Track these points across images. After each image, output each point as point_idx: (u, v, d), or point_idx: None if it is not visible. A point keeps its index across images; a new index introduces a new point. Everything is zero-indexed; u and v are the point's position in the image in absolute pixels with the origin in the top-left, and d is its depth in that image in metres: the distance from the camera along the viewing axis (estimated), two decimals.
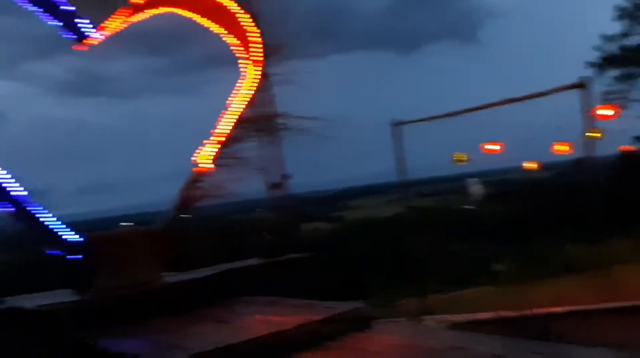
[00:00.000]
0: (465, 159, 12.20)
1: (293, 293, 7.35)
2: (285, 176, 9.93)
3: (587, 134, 8.76)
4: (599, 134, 10.36)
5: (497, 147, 10.97)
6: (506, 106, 10.11)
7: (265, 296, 7.41)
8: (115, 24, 8.19)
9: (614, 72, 26.92)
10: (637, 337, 7.03)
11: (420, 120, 11.62)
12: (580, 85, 8.68)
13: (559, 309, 8.57)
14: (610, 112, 9.11)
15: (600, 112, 9.26)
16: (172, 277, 7.90)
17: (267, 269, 8.90)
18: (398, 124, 11.72)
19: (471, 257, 19.43)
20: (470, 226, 29.66)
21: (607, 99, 26.84)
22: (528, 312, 8.69)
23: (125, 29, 8.49)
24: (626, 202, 18.85)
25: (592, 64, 26.74)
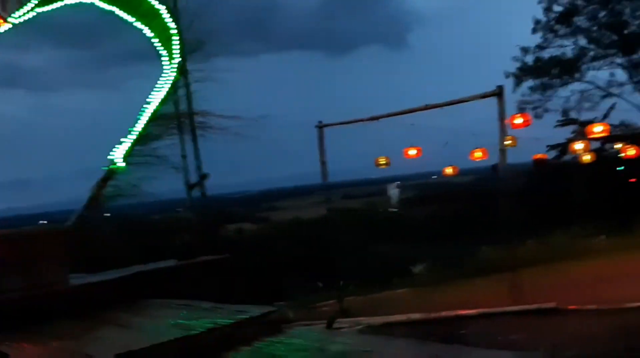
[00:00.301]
0: (386, 162, 12.37)
1: (207, 296, 7.18)
2: (204, 176, 9.71)
3: (502, 141, 9.03)
4: (512, 142, 10.76)
5: (415, 152, 11.16)
6: (428, 111, 10.32)
7: (178, 300, 7.19)
8: (24, 12, 7.77)
9: (530, 83, 28.22)
10: (542, 338, 7.30)
11: (342, 123, 11.68)
12: (496, 93, 8.94)
13: (468, 311, 8.78)
14: (521, 120, 9.43)
15: (515, 121, 9.57)
16: (79, 279, 7.54)
17: (181, 271, 8.67)
18: (322, 126, 11.74)
19: (392, 259, 19.75)
20: (393, 229, 30.16)
21: (522, 109, 28.09)
22: (439, 315, 8.88)
23: (44, 20, 8.10)
24: (538, 207, 19.79)
25: (510, 74, 27.90)
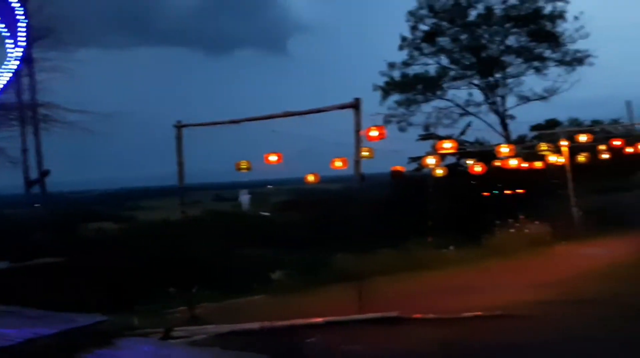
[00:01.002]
0: (247, 167, 12.21)
1: (39, 303, 6.60)
2: (45, 173, 9.00)
3: (358, 152, 9.17)
4: (369, 154, 11.00)
5: (276, 158, 11.10)
6: (294, 118, 10.28)
7: (2, 305, 6.54)
8: None
9: (396, 97, 29.49)
10: (380, 347, 7.47)
11: (203, 124, 11.35)
12: (353, 105, 9.07)
13: (316, 320, 8.80)
14: (376, 133, 9.67)
15: (370, 133, 9.77)
16: None
17: (14, 274, 7.94)
18: (180, 126, 11.32)
19: (255, 264, 19.51)
20: (261, 233, 29.81)
21: (388, 121, 29.22)
22: (287, 323, 8.83)
23: None
24: (395, 217, 20.58)
25: (378, 87, 29.00)
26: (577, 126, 39.04)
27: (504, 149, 15.08)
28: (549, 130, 33.74)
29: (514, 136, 30.49)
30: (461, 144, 26.88)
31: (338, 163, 12.47)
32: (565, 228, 19.11)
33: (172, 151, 11.46)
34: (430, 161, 14.30)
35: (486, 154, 16.73)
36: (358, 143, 9.10)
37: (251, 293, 14.43)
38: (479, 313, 8.34)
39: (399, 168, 16.02)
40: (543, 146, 16.80)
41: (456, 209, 21.22)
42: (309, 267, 15.33)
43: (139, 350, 5.25)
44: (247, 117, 10.50)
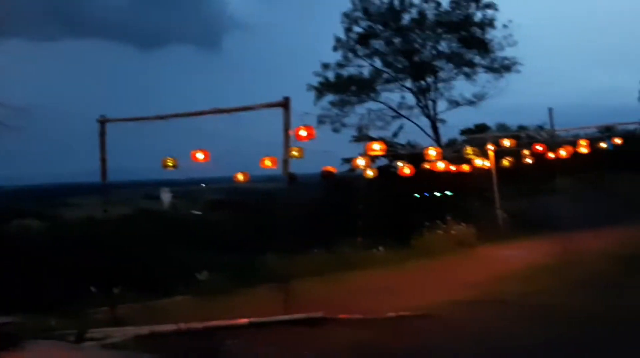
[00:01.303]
0: (173, 164, 11.89)
1: None
2: None
3: (286, 152, 9.08)
4: (299, 154, 10.93)
5: (202, 156, 10.86)
6: (223, 115, 10.07)
7: None
8: None
9: (331, 97, 29.60)
10: (304, 348, 7.42)
11: (128, 119, 10.98)
12: (282, 104, 8.98)
13: (239, 321, 8.66)
14: (305, 133, 9.60)
15: (299, 132, 9.69)
16: None
17: None
18: (104, 121, 10.91)
19: (182, 264, 19.09)
20: (191, 233, 29.26)
21: (322, 121, 29.29)
22: (209, 324, 8.65)
23: None
24: (327, 218, 20.63)
25: (312, 87, 29.01)
26: (504, 131, 40.42)
27: (432, 152, 15.35)
28: (479, 134, 34.78)
29: (445, 139, 31.21)
30: (393, 146, 27.30)
31: (268, 162, 12.35)
32: (490, 230, 19.67)
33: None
34: (360, 162, 14.39)
35: (416, 157, 16.99)
36: (287, 142, 9.02)
37: (177, 294, 14.13)
38: (402, 313, 8.42)
39: (330, 168, 16.04)
40: (469, 150, 17.23)
41: (387, 210, 21.49)
42: (237, 267, 15.11)
43: (46, 352, 4.98)
44: (174, 113, 10.23)
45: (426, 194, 26.89)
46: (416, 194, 26.91)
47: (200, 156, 10.95)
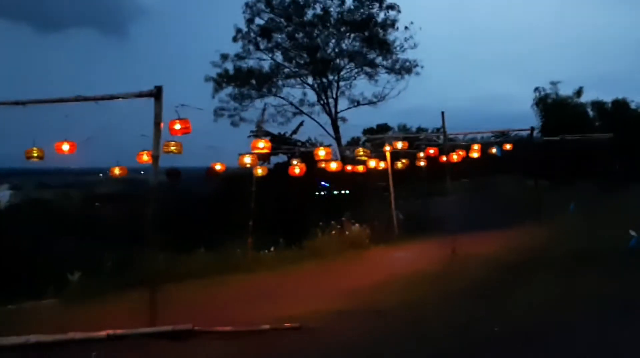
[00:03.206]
0: (38, 155, 10.75)
1: None
2: None
3: (156, 147, 8.25)
4: (176, 148, 10.12)
5: (68, 147, 9.82)
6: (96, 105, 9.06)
7: None
8: None
9: (229, 90, 28.67)
10: None
11: None
12: (153, 94, 8.15)
13: (96, 333, 7.77)
14: (179, 126, 8.81)
15: (174, 126, 8.89)
16: None
17: None
18: None
19: (56, 262, 17.58)
20: (83, 226, 27.12)
21: (220, 115, 28.33)
22: (63, 337, 7.71)
23: None
24: (216, 216, 19.80)
25: (210, 79, 27.96)
26: (405, 131, 41.05)
27: (321, 152, 14.90)
28: (378, 135, 35.01)
29: (348, 138, 31.17)
30: (292, 143, 26.81)
31: (145, 157, 11.49)
32: (384, 231, 19.61)
33: None
34: (247, 159, 13.69)
35: (312, 156, 16.51)
36: (157, 136, 8.18)
37: (46, 297, 12.90)
38: (275, 326, 7.84)
39: (219, 165, 15.20)
40: (360, 151, 16.98)
41: (280, 210, 20.95)
42: (114, 267, 13.99)
43: None
44: (35, 99, 9.10)
45: (323, 194, 26.67)
46: (313, 194, 26.63)
47: (65, 147, 9.89)
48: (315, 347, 7.03)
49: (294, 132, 28.95)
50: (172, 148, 9.86)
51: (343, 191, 27.11)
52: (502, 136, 39.08)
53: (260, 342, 7.47)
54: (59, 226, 23.88)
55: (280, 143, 23.50)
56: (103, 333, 7.81)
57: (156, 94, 8.13)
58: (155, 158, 8.27)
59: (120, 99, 8.20)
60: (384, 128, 42.04)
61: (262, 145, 12.88)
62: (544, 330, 7.32)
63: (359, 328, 7.70)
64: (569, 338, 6.92)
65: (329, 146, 23.33)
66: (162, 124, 8.25)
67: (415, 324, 7.75)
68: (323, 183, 26.78)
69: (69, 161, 10.36)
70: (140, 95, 8.19)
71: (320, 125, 30.58)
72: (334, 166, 16.39)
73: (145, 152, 11.25)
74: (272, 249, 16.71)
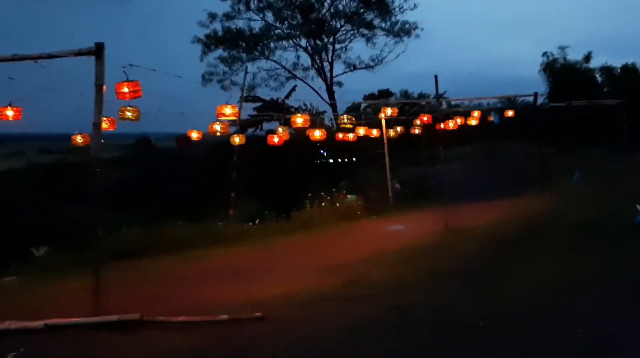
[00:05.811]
0: None
1: None
2: None
3: (98, 112, 7.24)
4: (133, 114, 9.14)
5: (12, 113, 8.84)
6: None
7: None
8: None
9: (218, 53, 27.20)
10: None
11: None
12: (94, 52, 7.12)
13: (33, 323, 6.91)
14: (127, 89, 7.78)
15: (121, 89, 7.87)
16: None
17: None
18: None
19: (20, 236, 16.63)
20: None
21: (209, 79, 27.09)
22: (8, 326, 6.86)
23: None
24: (197, 187, 18.83)
25: (198, 40, 26.53)
26: (406, 97, 39.79)
27: (299, 119, 13.77)
28: (382, 99, 33.83)
29: (348, 103, 30.00)
30: (286, 109, 25.65)
31: (104, 124, 10.51)
32: (379, 201, 18.72)
33: None
34: (217, 127, 12.63)
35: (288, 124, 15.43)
36: (99, 99, 7.15)
37: (10, 273, 12.07)
38: (235, 316, 6.93)
39: (195, 132, 14.14)
40: (343, 119, 15.88)
41: (268, 179, 19.98)
42: (82, 241, 13.12)
43: None
44: None
45: (318, 162, 25.62)
46: (315, 161, 25.63)
47: (9, 113, 8.91)
48: (279, 342, 6.13)
49: (287, 97, 27.73)
50: (128, 114, 8.88)
51: (339, 160, 26.11)
52: (507, 102, 37.84)
53: (216, 334, 6.57)
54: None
55: (271, 109, 22.36)
56: (41, 323, 6.94)
57: (96, 52, 7.10)
58: (96, 125, 7.25)
59: (60, 57, 7.16)
60: (385, 93, 40.74)
61: (229, 111, 11.82)
62: (536, 319, 6.40)
63: (329, 319, 6.78)
64: (568, 328, 5.98)
65: (323, 112, 22.22)
66: (104, 87, 7.22)
67: (395, 314, 6.82)
68: (322, 151, 25.80)
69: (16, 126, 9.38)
70: (80, 53, 7.16)
71: (315, 90, 29.39)
72: (317, 134, 15.29)
73: (105, 118, 10.27)
74: (256, 221, 15.84)
